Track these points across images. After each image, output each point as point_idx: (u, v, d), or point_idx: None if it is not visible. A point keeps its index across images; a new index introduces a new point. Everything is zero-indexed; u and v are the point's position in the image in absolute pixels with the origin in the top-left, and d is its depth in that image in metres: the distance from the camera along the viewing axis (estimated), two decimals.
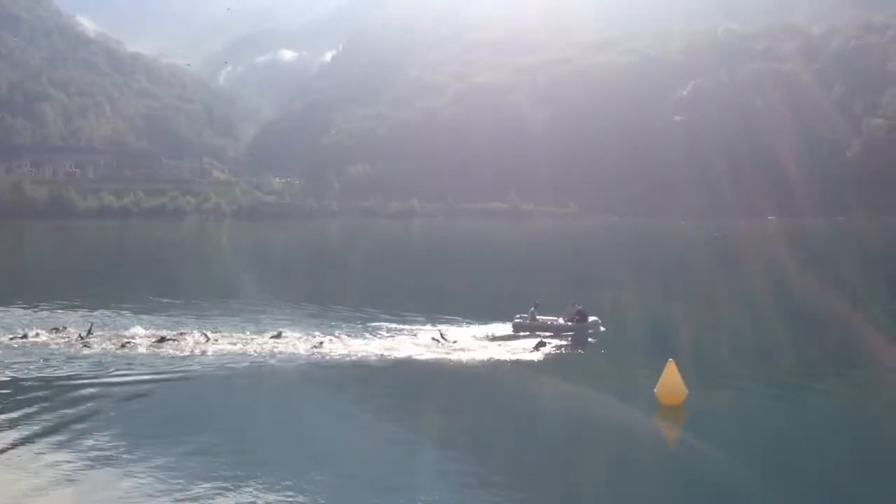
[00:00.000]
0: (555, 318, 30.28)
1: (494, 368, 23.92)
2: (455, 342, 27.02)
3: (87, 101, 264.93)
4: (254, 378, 23.17)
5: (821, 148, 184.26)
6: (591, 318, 30.05)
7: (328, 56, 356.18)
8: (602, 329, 30.03)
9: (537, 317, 30.08)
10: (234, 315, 33.76)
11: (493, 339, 28.23)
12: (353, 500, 14.71)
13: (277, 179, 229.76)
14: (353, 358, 25.02)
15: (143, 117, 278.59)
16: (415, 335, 28.62)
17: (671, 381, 18.83)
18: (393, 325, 30.58)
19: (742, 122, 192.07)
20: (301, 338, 27.66)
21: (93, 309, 34.58)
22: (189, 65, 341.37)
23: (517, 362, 24.54)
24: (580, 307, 30.18)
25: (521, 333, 29.04)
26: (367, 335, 28.67)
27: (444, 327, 29.35)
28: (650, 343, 28.53)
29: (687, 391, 18.92)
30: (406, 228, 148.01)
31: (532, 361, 24.87)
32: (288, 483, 14.81)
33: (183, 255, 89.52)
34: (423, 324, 30.70)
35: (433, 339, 27.45)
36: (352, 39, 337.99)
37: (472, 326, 30.22)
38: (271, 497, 14.17)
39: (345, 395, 22.57)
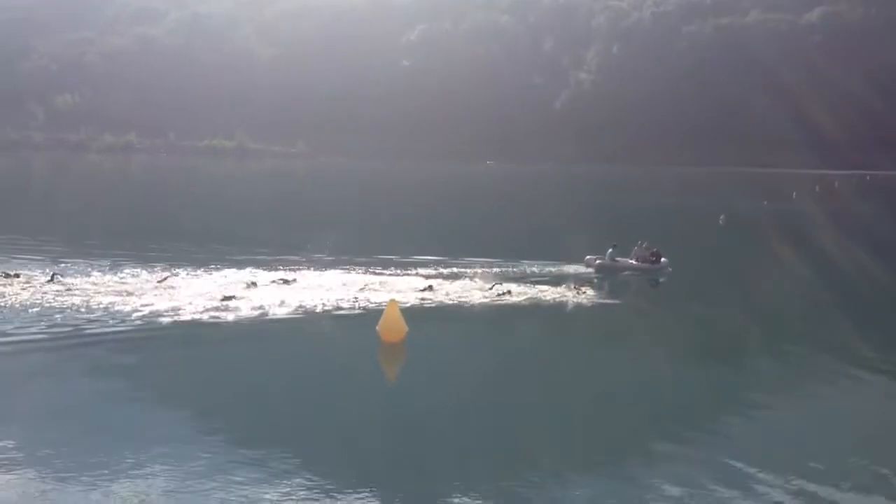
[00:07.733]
0: (629, 260, 31.76)
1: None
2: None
3: None
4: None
5: (532, 98, 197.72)
6: (663, 260, 31.80)
7: None
8: (670, 270, 31.73)
9: (616, 258, 31.35)
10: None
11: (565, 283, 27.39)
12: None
13: None
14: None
15: None
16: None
17: (392, 319, 19.23)
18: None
19: (464, 70, 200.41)
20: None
21: None
22: None
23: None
24: (655, 249, 31.78)
25: (598, 274, 30.33)
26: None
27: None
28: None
29: (407, 328, 19.26)
30: (125, 164, 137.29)
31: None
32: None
33: None
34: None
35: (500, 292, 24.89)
36: None
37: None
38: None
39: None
